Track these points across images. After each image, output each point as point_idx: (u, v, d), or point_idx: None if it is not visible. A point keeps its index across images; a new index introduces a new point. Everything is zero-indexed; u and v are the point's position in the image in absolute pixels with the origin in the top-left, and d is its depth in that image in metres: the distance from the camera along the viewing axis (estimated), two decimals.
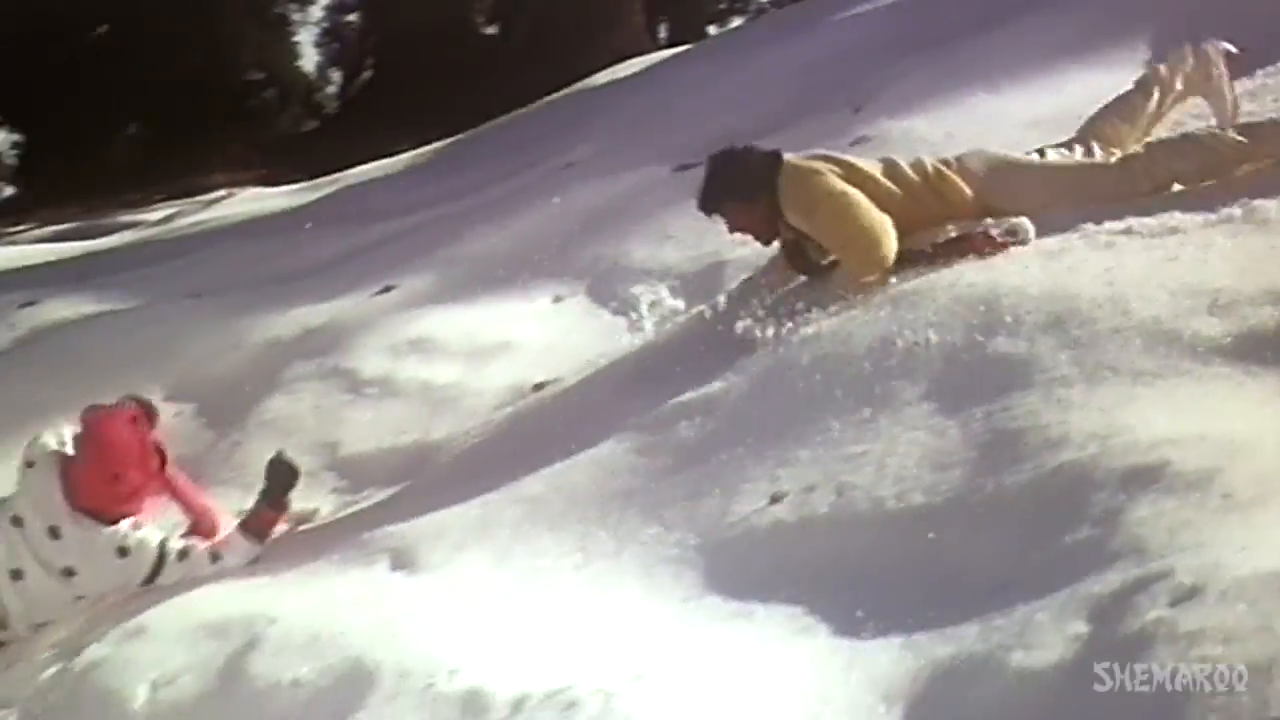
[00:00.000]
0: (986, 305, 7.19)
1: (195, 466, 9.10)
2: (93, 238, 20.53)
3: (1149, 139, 8.56)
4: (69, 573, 7.40)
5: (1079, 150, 8.47)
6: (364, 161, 20.41)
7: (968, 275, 7.54)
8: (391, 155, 20.34)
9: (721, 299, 8.71)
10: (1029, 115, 9.17)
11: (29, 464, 7.84)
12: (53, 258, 18.12)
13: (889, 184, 8.18)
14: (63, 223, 24.77)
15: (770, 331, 7.89)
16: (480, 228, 12.08)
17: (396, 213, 14.48)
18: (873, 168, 8.27)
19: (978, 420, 6.49)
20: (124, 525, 7.40)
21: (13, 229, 25.47)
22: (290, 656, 6.68)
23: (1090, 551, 5.47)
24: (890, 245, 7.90)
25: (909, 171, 8.27)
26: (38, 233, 24.39)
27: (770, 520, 6.59)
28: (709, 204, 8.57)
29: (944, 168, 8.28)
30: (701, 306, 8.82)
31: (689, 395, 7.82)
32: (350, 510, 8.42)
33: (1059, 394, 6.41)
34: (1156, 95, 8.76)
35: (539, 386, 8.97)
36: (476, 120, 20.98)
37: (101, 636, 7.42)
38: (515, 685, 5.85)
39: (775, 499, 6.66)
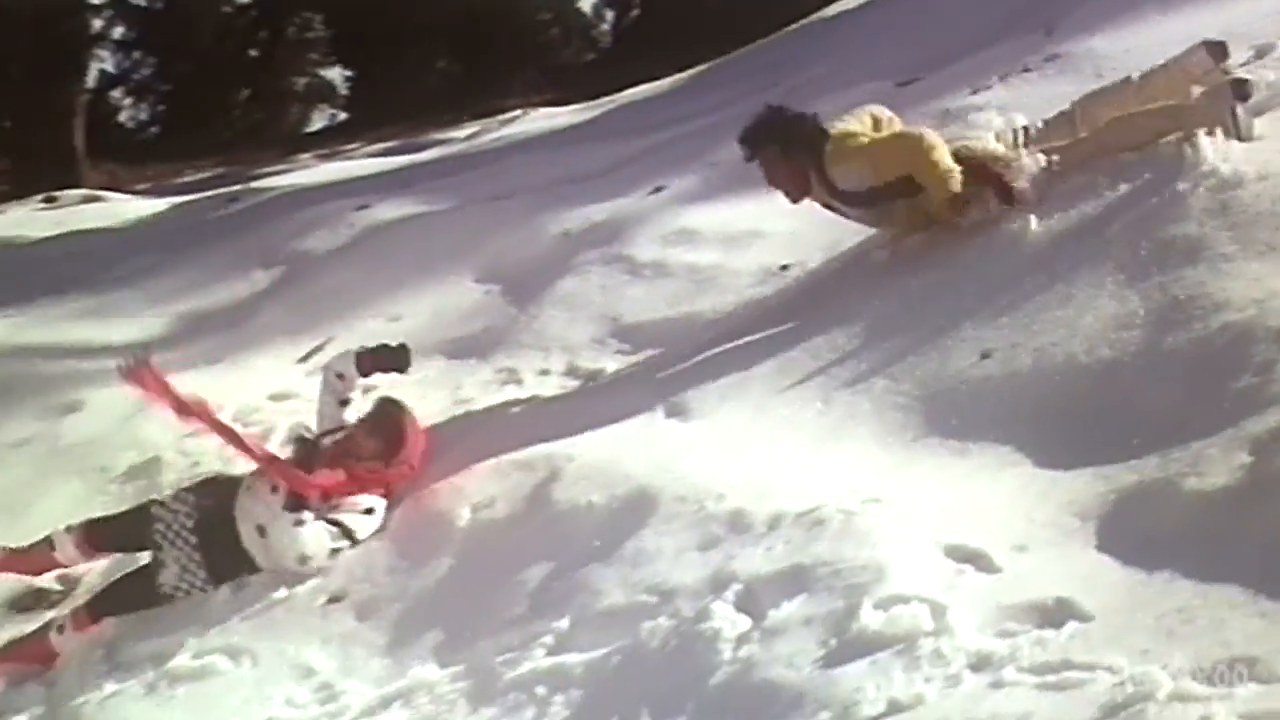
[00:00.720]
0: (1159, 197, 7.22)
1: (501, 335, 9.33)
2: (412, 153, 20.77)
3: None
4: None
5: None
6: (634, 85, 20.46)
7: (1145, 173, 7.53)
8: (657, 80, 20.38)
9: None
10: (1194, 31, 9.00)
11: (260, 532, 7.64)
12: (380, 169, 18.36)
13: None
14: (387, 141, 25.07)
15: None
16: (734, 137, 12.10)
17: (664, 125, 14.54)
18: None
19: (1155, 289, 6.54)
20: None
21: (346, 147, 25.84)
22: (585, 485, 6.88)
23: (1251, 396, 5.55)
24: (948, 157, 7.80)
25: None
26: (367, 150, 24.69)
27: (982, 373, 6.68)
28: (751, 147, 8.43)
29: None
30: None
31: (907, 273, 7.88)
32: (631, 369, 8.55)
33: (1222, 267, 6.45)
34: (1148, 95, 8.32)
35: (785, 268, 9.04)
36: (730, 49, 20.96)
37: None
38: (771, 507, 6.02)
39: (985, 355, 6.75)
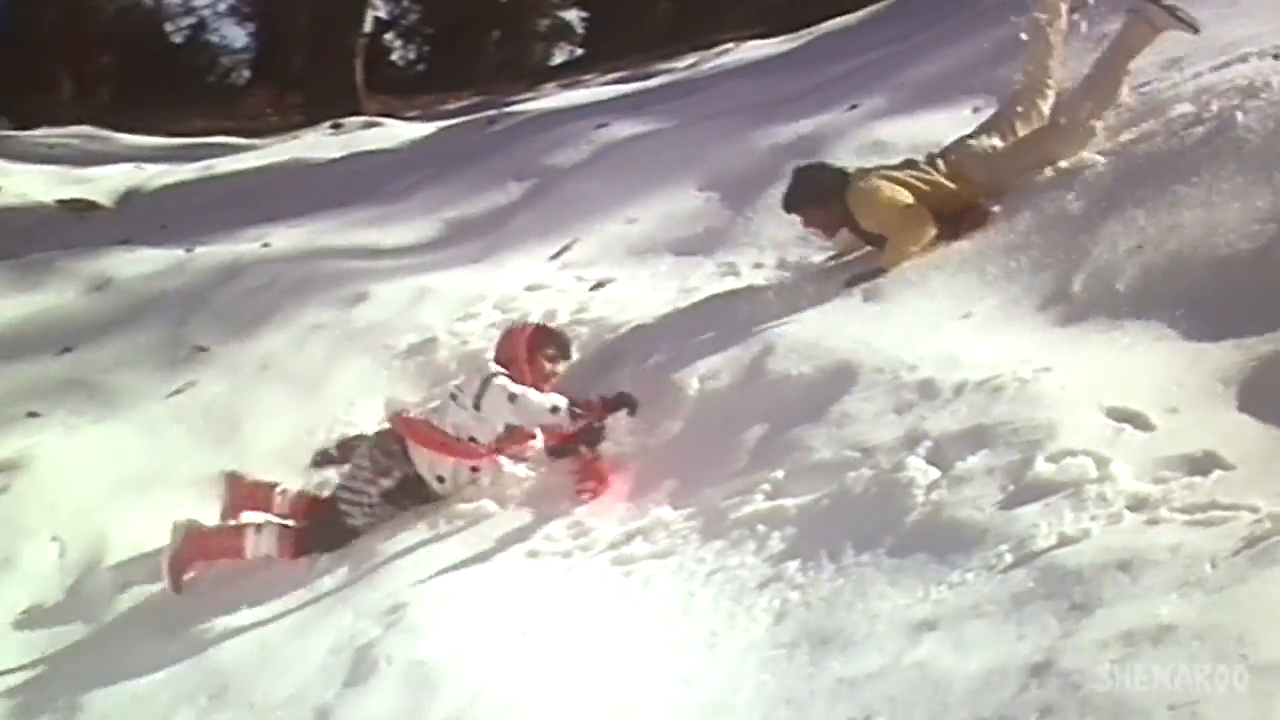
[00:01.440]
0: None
1: (721, 235, 9.38)
2: (640, 81, 20.81)
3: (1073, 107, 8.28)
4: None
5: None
6: (832, 18, 20.30)
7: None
8: (851, 12, 20.19)
9: None
10: None
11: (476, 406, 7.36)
12: (614, 95, 18.43)
13: (919, 183, 7.99)
14: (618, 72, 25.13)
15: None
16: (920, 60, 12.01)
17: (857, 53, 14.41)
18: (905, 172, 8.12)
19: None
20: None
21: (583, 78, 25.95)
22: (795, 359, 6.95)
23: None
24: (926, 233, 7.85)
25: (931, 171, 8.08)
26: (601, 80, 24.76)
27: (1135, 262, 6.65)
28: (791, 206, 8.46)
29: (945, 165, 8.14)
30: None
31: (1064, 186, 7.82)
32: (833, 262, 8.57)
33: None
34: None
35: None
36: None
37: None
38: (956, 376, 6.07)
39: (1138, 247, 6.70)
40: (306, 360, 9.46)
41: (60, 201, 16.40)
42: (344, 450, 8.25)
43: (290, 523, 7.54)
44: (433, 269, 10.66)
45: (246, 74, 32.77)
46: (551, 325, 8.15)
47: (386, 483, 7.31)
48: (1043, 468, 5.16)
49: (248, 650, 6.41)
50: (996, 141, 8.13)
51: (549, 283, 9.63)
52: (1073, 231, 7.30)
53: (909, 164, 8.17)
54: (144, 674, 6.60)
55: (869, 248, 8.26)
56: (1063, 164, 7.95)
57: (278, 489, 7.75)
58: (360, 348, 9.41)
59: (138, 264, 12.22)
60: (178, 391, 9.50)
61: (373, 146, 18.39)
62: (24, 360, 10.54)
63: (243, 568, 7.38)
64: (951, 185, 7.98)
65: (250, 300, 10.72)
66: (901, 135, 9.93)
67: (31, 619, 7.46)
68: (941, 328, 6.80)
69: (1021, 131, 8.17)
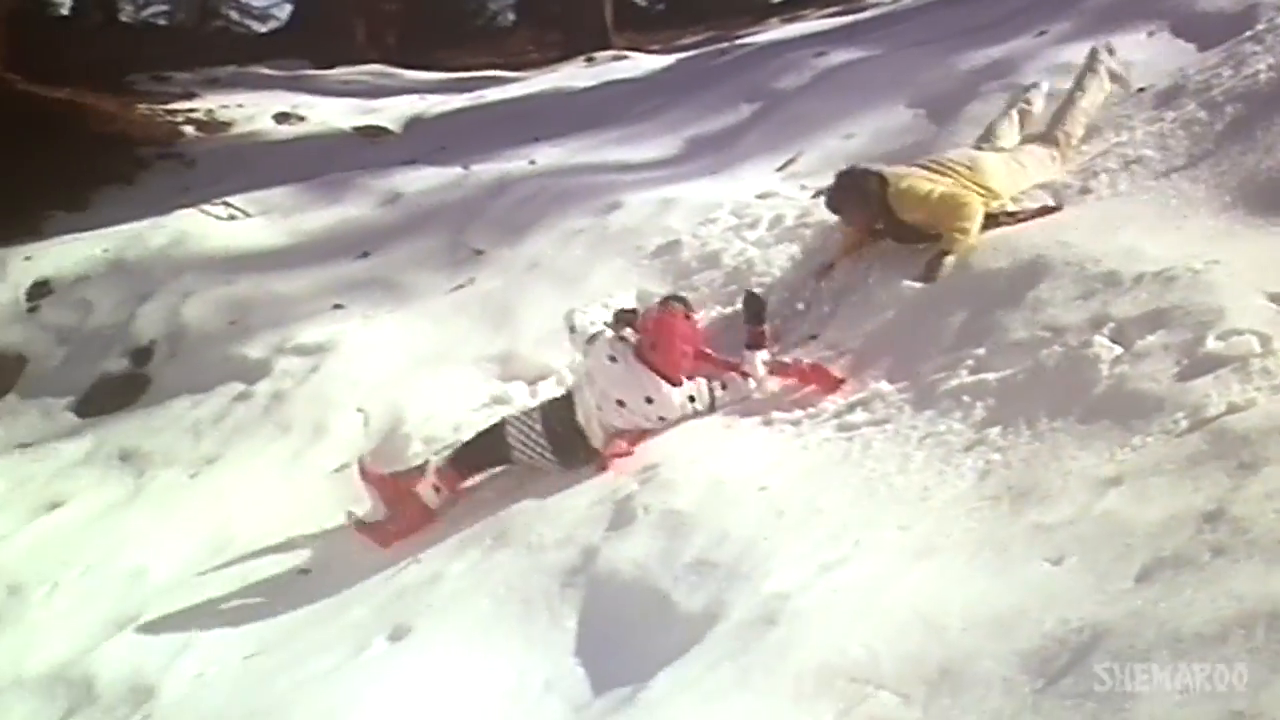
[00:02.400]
0: None
1: (927, 147, 9.29)
2: (853, 14, 20.55)
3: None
4: (661, 419, 7.01)
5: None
6: None
7: None
8: None
9: None
10: None
11: (590, 340, 7.25)
12: (831, 27, 18.28)
13: (944, 177, 7.56)
14: (833, 7, 24.75)
15: None
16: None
17: None
18: (934, 169, 7.68)
19: None
20: (688, 385, 7.04)
21: (802, 13, 25.56)
22: (995, 254, 6.91)
23: None
24: (976, 210, 7.26)
25: (954, 167, 7.66)
26: (819, 14, 24.39)
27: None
28: (834, 206, 7.93)
29: (972, 163, 7.73)
30: None
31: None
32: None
33: None
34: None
35: (1141, 90, 8.72)
36: None
37: None
38: (1136, 268, 6.02)
39: None
40: (568, 260, 9.60)
41: (356, 129, 16.77)
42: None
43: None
44: (675, 180, 10.72)
45: (511, 17, 33.08)
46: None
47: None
48: (1213, 345, 5.13)
49: (525, 504, 6.61)
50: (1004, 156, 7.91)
51: (777, 191, 9.62)
52: (1230, 146, 7.17)
53: (936, 163, 7.80)
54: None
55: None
56: None
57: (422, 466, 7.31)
58: (614, 249, 9.53)
59: (422, 181, 12.50)
60: (459, 287, 9.75)
61: (621, 76, 18.48)
62: (329, 262, 10.89)
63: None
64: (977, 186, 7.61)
65: (519, 210, 10.90)
66: (1083, 58, 9.71)
67: (342, 476, 7.75)
68: (1123, 228, 6.67)
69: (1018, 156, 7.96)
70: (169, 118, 17.39)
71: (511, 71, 22.18)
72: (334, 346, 9.10)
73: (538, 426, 7.04)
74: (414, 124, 17.28)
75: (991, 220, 7.30)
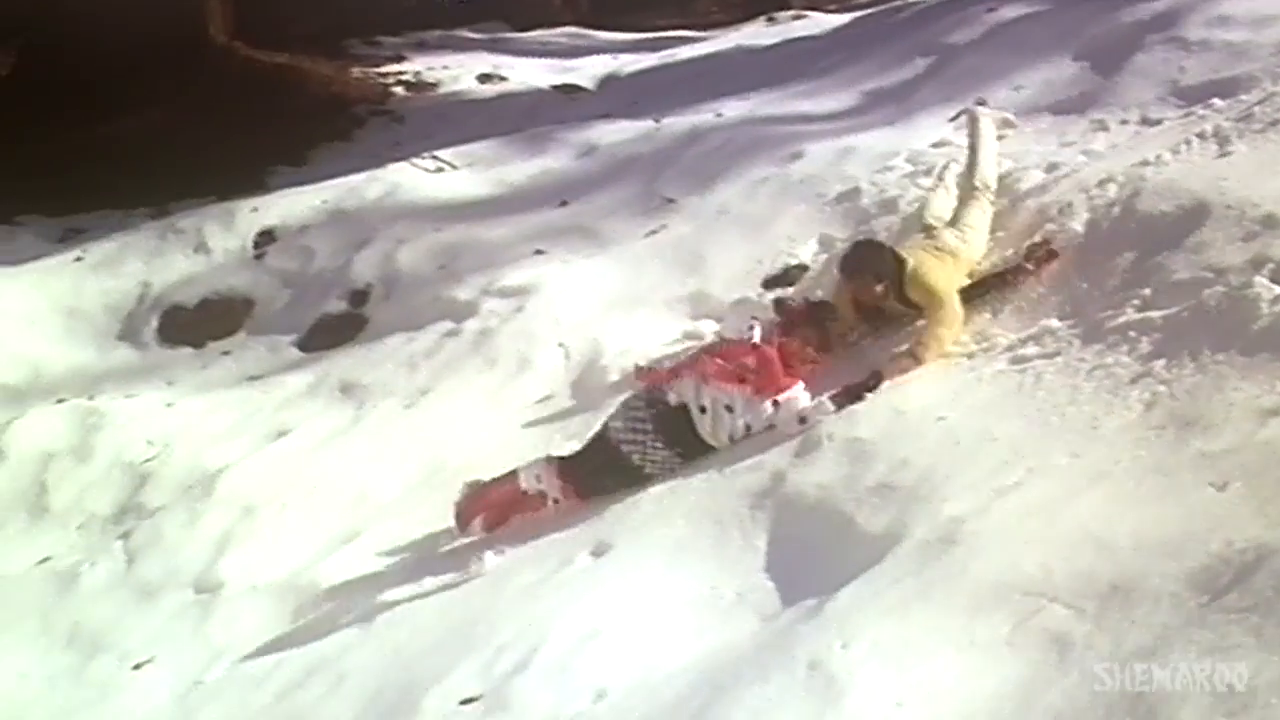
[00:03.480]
0: None
1: (1092, 97, 9.16)
2: None
3: None
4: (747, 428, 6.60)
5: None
6: None
7: None
8: None
9: None
10: None
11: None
12: None
13: (952, 257, 7.29)
14: None
15: None
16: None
17: None
18: (941, 250, 7.34)
19: None
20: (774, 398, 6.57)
21: None
22: (1157, 199, 6.82)
23: None
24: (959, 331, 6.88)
25: (954, 250, 7.35)
26: None
27: None
28: (848, 273, 7.33)
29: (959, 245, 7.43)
30: None
31: None
32: (1185, 117, 8.34)
33: None
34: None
35: None
36: None
37: None
38: None
39: None
40: (754, 207, 9.65)
41: (554, 87, 16.92)
42: (789, 275, 8.44)
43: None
44: (854, 131, 10.69)
45: None
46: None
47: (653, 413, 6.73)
48: None
49: None
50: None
51: (950, 140, 9.55)
52: None
53: (935, 248, 7.41)
54: None
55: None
56: None
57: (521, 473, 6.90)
58: (797, 196, 9.55)
59: (617, 134, 12.62)
60: (653, 233, 9.86)
61: (801, 34, 18.38)
62: (531, 211, 11.07)
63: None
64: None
65: (707, 160, 10.96)
66: (1245, 11, 9.50)
67: (545, 405, 7.93)
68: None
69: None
70: (381, 79, 17.74)
71: (698, 31, 22.16)
72: (536, 288, 9.30)
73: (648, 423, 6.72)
74: (608, 82, 17.39)
75: (1009, 282, 7.06)
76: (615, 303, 8.81)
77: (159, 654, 6.98)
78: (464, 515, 6.77)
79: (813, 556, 5.36)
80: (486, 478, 6.87)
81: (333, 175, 12.59)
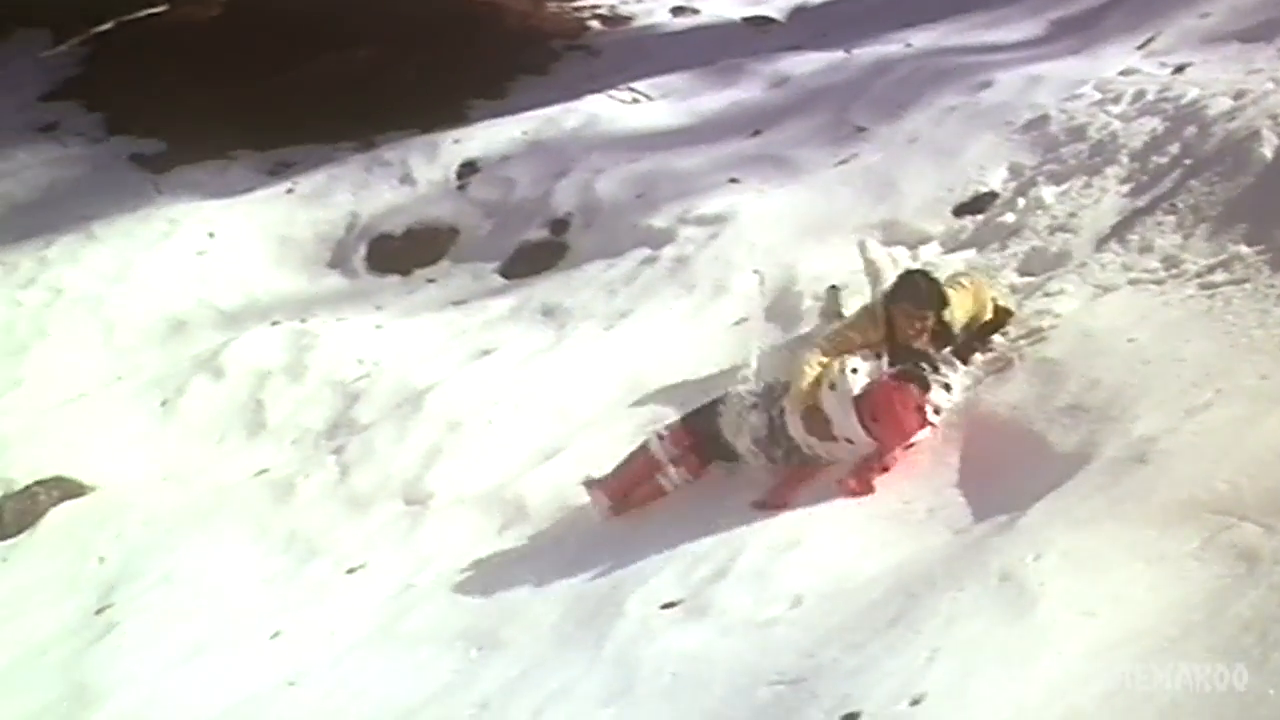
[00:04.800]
0: None
1: (1277, 26, 8.95)
2: None
3: None
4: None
5: None
6: None
7: None
8: None
9: None
10: None
11: (831, 386, 6.23)
12: None
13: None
14: None
15: None
16: None
17: None
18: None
19: None
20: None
21: None
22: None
23: None
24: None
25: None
26: None
27: None
28: (898, 297, 6.56)
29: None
30: None
31: None
32: None
33: None
34: None
35: None
36: None
37: None
38: None
39: None
40: (944, 134, 9.61)
41: (745, 19, 16.88)
42: (979, 202, 8.43)
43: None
44: (1041, 60, 10.55)
45: None
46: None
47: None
48: None
49: None
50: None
51: (1138, 68, 9.41)
52: None
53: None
54: None
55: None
56: None
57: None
58: (985, 124, 9.49)
59: (807, 64, 12.60)
60: (843, 161, 9.90)
61: None
62: (724, 140, 11.17)
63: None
64: None
65: (897, 89, 10.93)
66: None
67: (741, 328, 8.07)
68: None
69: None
70: (576, 14, 17.86)
71: None
72: (731, 216, 9.43)
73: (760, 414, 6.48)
74: (798, 14, 17.23)
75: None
76: (808, 230, 8.88)
77: (371, 560, 7.35)
78: (595, 499, 6.73)
79: (1003, 473, 5.45)
80: (600, 474, 6.79)
81: (531, 107, 12.81)
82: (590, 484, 6.75)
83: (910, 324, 6.35)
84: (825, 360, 6.29)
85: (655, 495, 6.66)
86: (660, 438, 6.69)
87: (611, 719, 4.86)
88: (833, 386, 6.15)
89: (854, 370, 6.18)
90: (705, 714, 4.53)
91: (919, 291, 6.44)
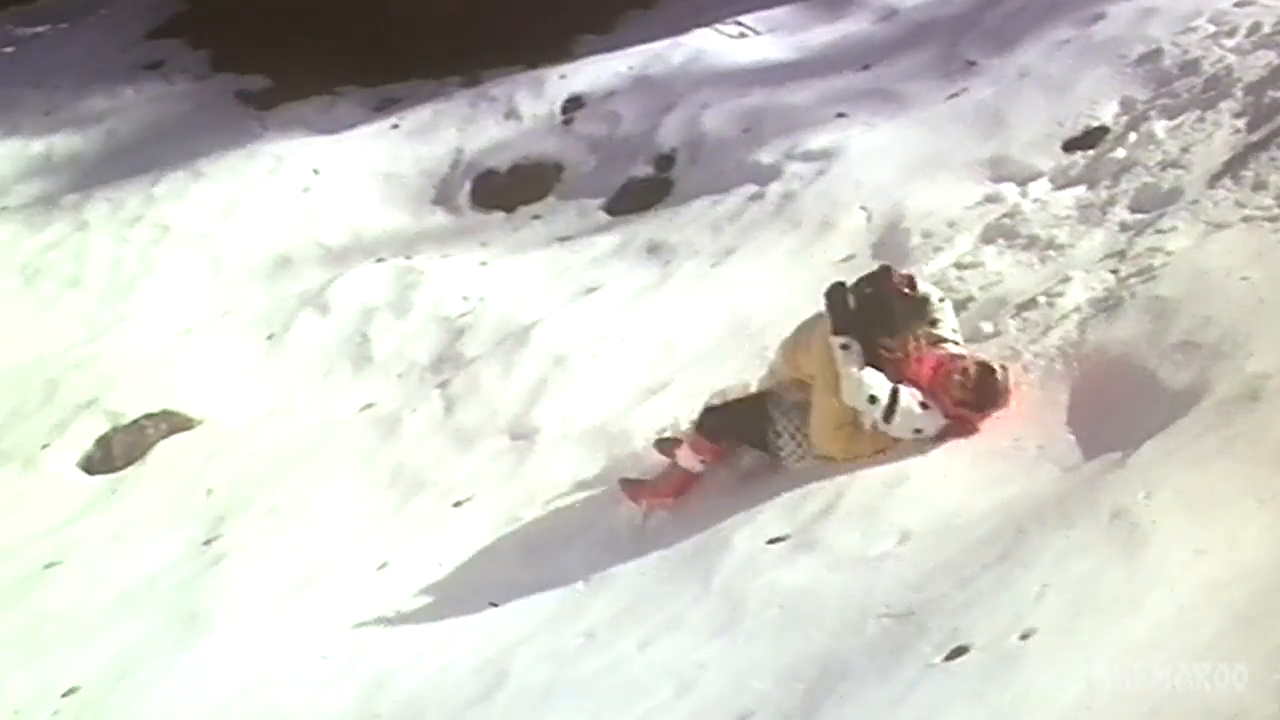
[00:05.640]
0: None
1: None
2: None
3: None
4: None
5: None
6: None
7: None
8: None
9: None
10: None
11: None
12: None
13: None
14: None
15: None
16: None
17: None
18: None
19: None
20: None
21: None
22: None
23: None
24: None
25: None
26: None
27: None
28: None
29: None
30: None
31: None
32: None
33: None
34: None
35: None
36: None
37: None
38: None
39: None
40: (1055, 68, 9.48)
41: None
42: (1090, 137, 8.36)
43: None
44: None
45: None
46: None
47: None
48: None
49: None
50: None
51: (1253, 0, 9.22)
52: None
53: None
54: None
55: None
56: None
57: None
58: (1098, 57, 9.34)
59: None
60: (953, 95, 9.82)
61: None
62: (833, 75, 11.11)
63: None
64: None
65: (1008, 22, 10.76)
66: None
67: (848, 265, 8.07)
68: None
69: None
70: None
71: None
72: (838, 151, 9.40)
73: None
74: None
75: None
76: (917, 166, 8.83)
77: (477, 493, 7.49)
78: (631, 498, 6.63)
79: (1114, 411, 5.47)
80: (636, 476, 6.75)
81: (637, 42, 12.79)
82: (626, 485, 6.68)
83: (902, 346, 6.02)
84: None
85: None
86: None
87: (720, 651, 4.97)
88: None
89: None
90: (813, 646, 4.62)
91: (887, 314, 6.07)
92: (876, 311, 6.05)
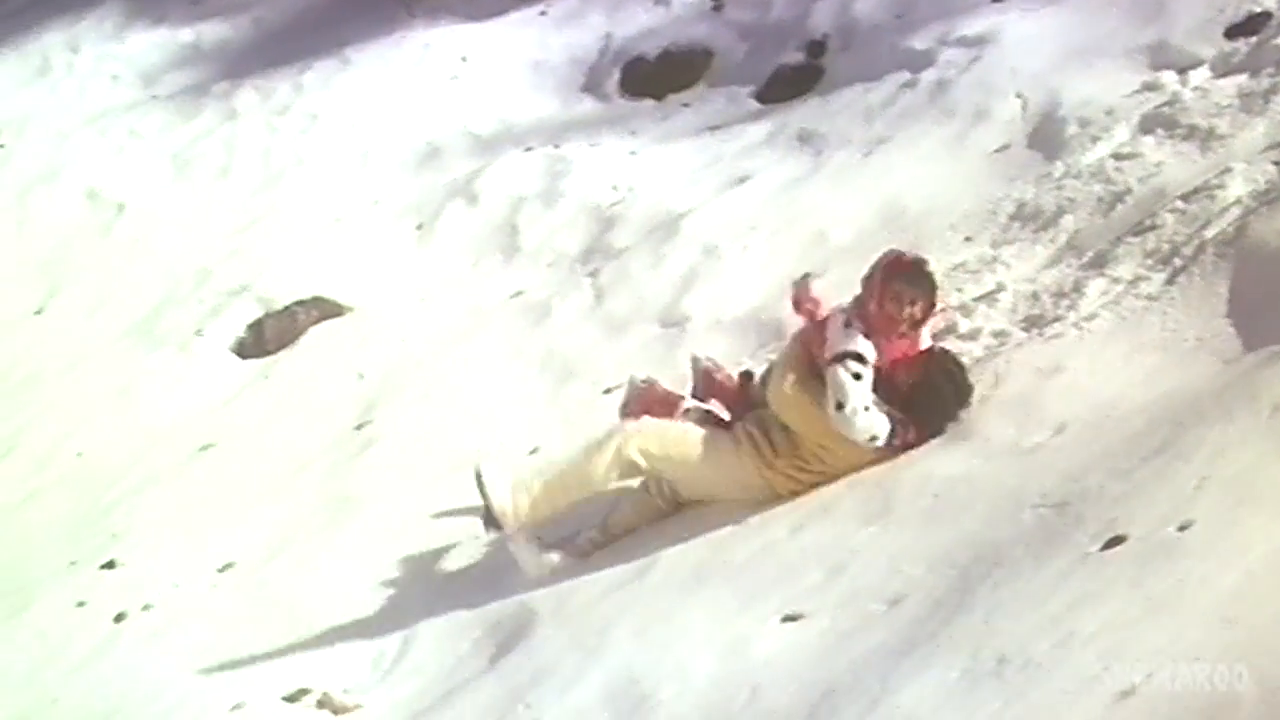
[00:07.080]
0: None
1: None
2: None
3: None
4: None
5: None
6: None
7: None
8: None
9: None
10: None
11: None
12: None
13: None
14: None
15: None
16: None
17: None
18: None
19: None
20: None
21: None
22: None
23: None
24: None
25: None
26: None
27: None
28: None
29: None
30: None
31: None
32: None
33: None
34: None
35: None
36: None
37: None
38: None
39: None
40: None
41: None
42: (1253, 23, 8.16)
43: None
44: None
45: None
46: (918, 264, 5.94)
47: None
48: None
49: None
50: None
51: None
52: None
53: None
54: None
55: None
56: None
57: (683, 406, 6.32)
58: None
59: None
60: None
61: None
62: None
63: None
64: None
65: None
66: None
67: (1003, 155, 8.01)
68: None
69: None
70: None
71: None
72: (993, 38, 9.26)
73: None
74: None
75: None
76: (1074, 53, 8.67)
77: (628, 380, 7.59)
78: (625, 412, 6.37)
79: (1275, 304, 5.43)
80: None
81: None
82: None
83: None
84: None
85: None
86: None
87: (872, 537, 5.07)
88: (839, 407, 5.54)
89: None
90: (967, 535, 4.70)
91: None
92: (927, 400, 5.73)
